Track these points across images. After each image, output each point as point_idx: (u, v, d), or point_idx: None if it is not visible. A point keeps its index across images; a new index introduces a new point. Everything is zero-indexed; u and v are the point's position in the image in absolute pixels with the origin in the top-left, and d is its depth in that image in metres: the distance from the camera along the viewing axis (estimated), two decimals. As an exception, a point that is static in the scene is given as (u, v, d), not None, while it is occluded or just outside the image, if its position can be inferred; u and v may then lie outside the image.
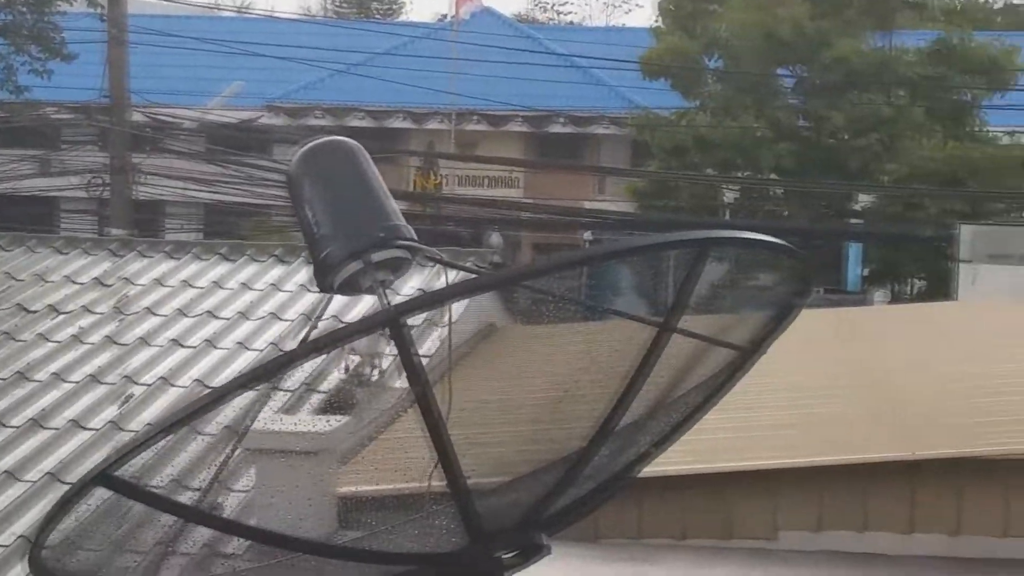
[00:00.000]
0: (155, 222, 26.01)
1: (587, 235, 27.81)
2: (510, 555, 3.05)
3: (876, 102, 25.44)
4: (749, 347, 3.23)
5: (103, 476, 2.70)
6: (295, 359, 2.72)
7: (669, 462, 3.90)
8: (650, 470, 3.37)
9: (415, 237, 3.28)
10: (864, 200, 25.80)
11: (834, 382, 8.67)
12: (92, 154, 23.80)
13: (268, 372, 2.70)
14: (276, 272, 12.25)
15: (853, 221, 26.00)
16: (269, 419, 7.11)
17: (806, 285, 3.13)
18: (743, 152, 26.03)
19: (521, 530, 3.09)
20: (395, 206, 3.34)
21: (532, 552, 3.07)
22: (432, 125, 36.27)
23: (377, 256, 3.18)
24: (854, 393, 8.32)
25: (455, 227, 23.55)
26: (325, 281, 3.22)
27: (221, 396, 2.64)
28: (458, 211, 25.94)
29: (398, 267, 3.26)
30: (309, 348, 2.72)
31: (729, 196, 27.72)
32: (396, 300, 3.34)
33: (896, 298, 25.87)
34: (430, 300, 2.78)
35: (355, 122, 35.35)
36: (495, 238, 24.63)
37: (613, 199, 29.72)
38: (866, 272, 25.74)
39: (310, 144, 3.33)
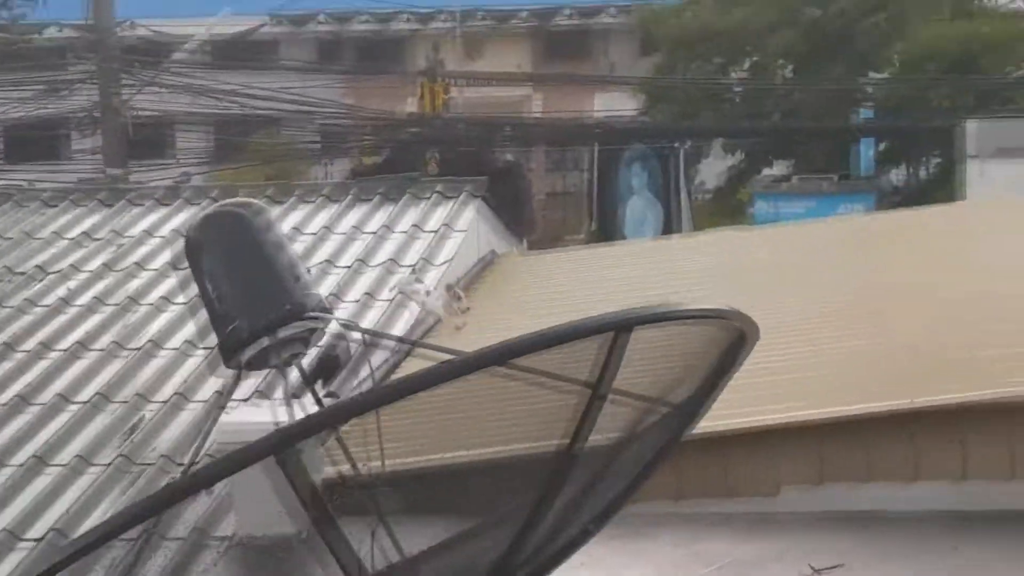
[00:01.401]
0: (158, 153, 25.57)
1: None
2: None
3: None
4: (690, 406, 3.01)
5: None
6: (178, 495, 2.51)
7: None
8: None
9: (326, 306, 3.07)
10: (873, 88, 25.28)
11: (832, 313, 8.31)
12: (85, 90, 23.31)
13: (154, 508, 2.50)
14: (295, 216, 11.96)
15: (863, 108, 25.47)
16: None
17: (744, 341, 2.90)
18: (750, 40, 25.54)
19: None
20: (303, 272, 3.12)
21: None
22: (437, 24, 35.76)
23: (284, 332, 2.98)
24: (853, 327, 7.96)
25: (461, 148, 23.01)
26: (231, 359, 3.03)
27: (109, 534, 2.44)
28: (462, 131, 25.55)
29: (310, 338, 3.07)
30: (190, 485, 2.50)
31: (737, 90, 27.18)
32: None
33: (911, 179, 25.43)
34: (318, 422, 2.51)
35: (359, 26, 34.95)
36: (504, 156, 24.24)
37: (623, 93, 29.20)
38: (874, 154, 25.20)
39: (208, 211, 3.11)
